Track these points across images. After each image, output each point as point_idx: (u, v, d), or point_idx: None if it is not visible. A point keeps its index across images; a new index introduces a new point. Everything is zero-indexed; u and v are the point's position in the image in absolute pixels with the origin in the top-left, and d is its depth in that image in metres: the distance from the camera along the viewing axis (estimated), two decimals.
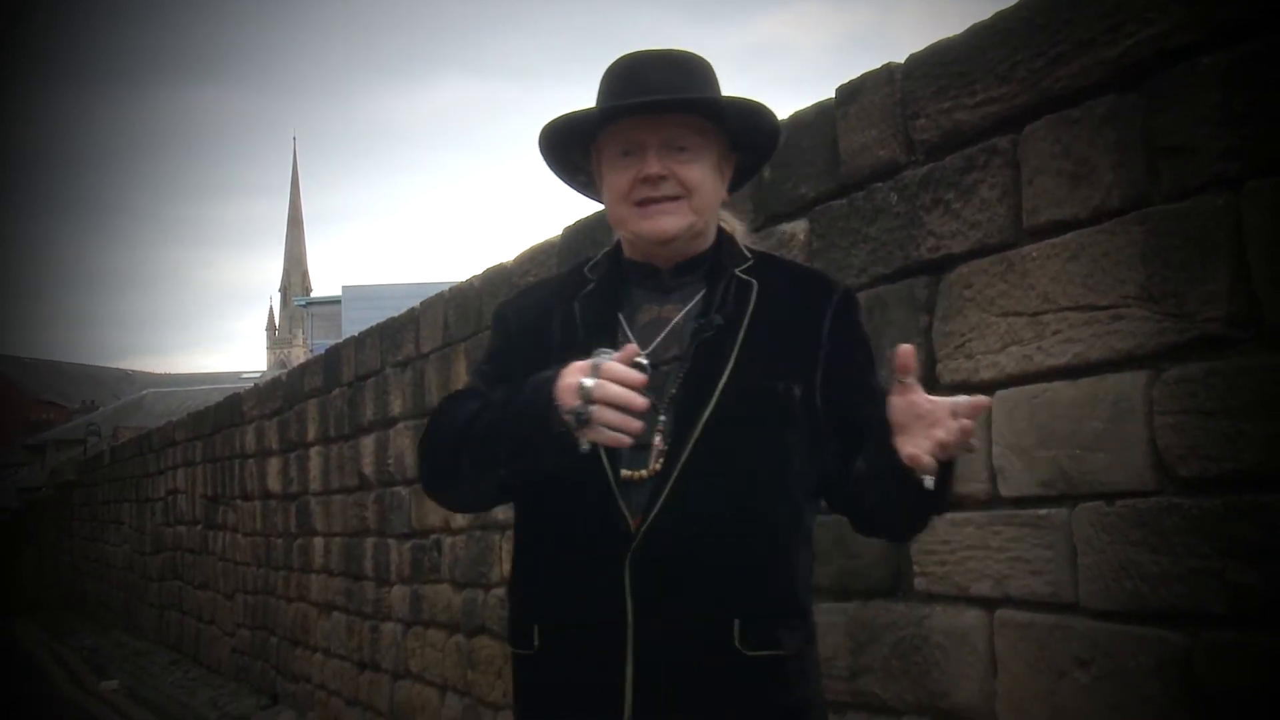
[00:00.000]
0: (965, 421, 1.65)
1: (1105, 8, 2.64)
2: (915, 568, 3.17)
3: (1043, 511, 2.81)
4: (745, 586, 1.86)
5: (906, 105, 3.23)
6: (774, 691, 1.86)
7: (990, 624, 2.95)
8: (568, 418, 1.73)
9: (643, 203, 1.91)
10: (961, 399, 1.67)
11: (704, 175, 1.93)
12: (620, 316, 1.98)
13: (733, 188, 2.06)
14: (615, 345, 1.92)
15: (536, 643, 1.93)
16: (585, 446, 1.73)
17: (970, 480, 3.01)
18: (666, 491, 1.84)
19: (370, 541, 7.46)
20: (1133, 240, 2.59)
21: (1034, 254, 2.84)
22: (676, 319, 1.95)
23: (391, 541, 7.09)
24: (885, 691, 3.23)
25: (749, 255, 2.02)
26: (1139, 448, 2.57)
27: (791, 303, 1.96)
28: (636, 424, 1.72)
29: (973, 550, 3.00)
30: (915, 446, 1.66)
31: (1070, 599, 2.73)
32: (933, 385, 3.13)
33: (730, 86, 2.04)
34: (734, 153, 2.01)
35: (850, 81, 3.43)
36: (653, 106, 1.90)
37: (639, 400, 1.71)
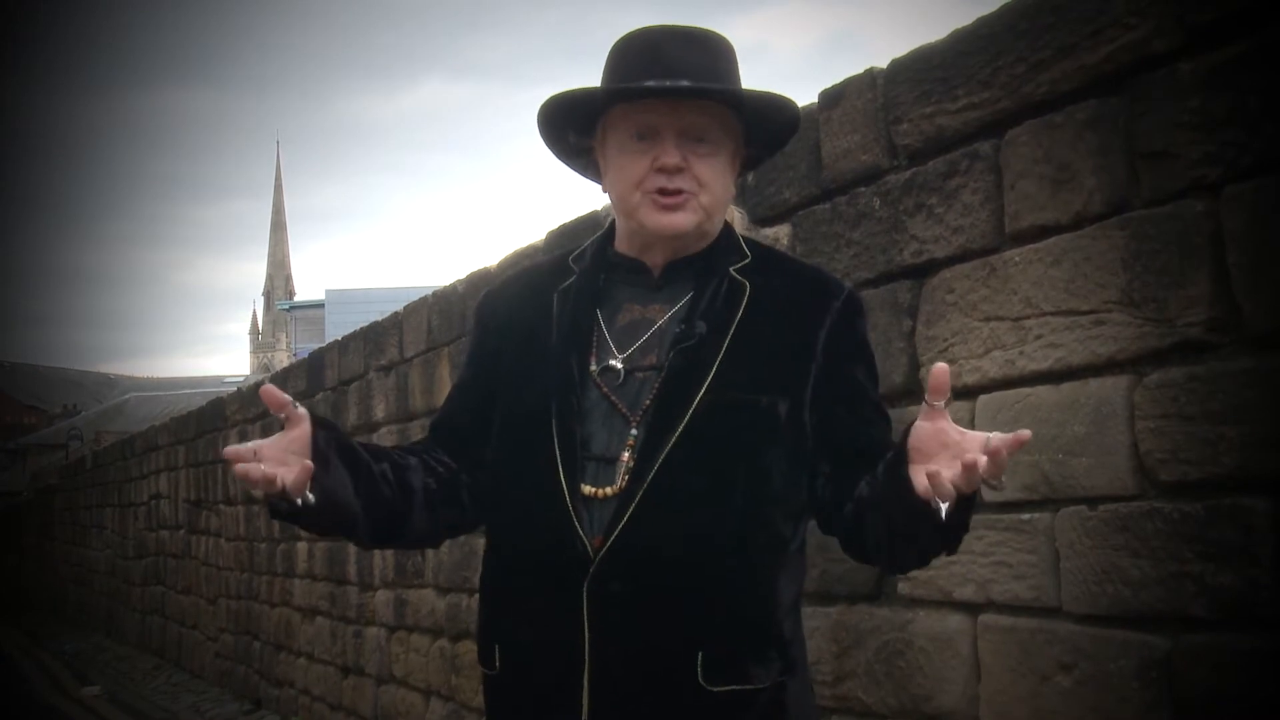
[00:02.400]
0: (999, 452, 1.46)
1: (1086, 13, 2.65)
2: None
3: (1026, 516, 2.82)
4: (711, 616, 1.71)
5: (889, 110, 3.24)
6: None
7: (974, 628, 2.95)
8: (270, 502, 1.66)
9: (658, 194, 1.77)
10: (998, 435, 1.48)
11: (719, 171, 1.80)
12: (599, 316, 1.85)
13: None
14: (590, 349, 1.82)
15: (498, 665, 1.84)
16: (305, 499, 1.63)
17: None
18: (630, 511, 1.70)
19: (353, 546, 7.43)
20: (1114, 245, 2.60)
21: (1016, 258, 2.85)
22: (661, 322, 1.81)
23: None
24: (869, 696, 3.23)
25: (747, 252, 1.87)
26: (1121, 452, 2.58)
27: (786, 308, 1.81)
28: (257, 473, 1.60)
29: (956, 555, 3.00)
30: (938, 467, 1.50)
31: (1053, 603, 2.74)
32: (917, 389, 3.13)
33: None
34: (746, 146, 1.87)
35: (833, 86, 3.44)
36: (680, 94, 1.74)
37: (245, 459, 1.62)
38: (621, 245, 1.89)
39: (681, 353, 1.77)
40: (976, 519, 2.92)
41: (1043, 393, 2.77)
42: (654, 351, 1.80)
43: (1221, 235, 2.38)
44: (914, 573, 3.12)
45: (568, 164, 1.96)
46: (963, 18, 3.04)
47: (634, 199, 1.79)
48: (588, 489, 1.75)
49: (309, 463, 1.63)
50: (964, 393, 2.99)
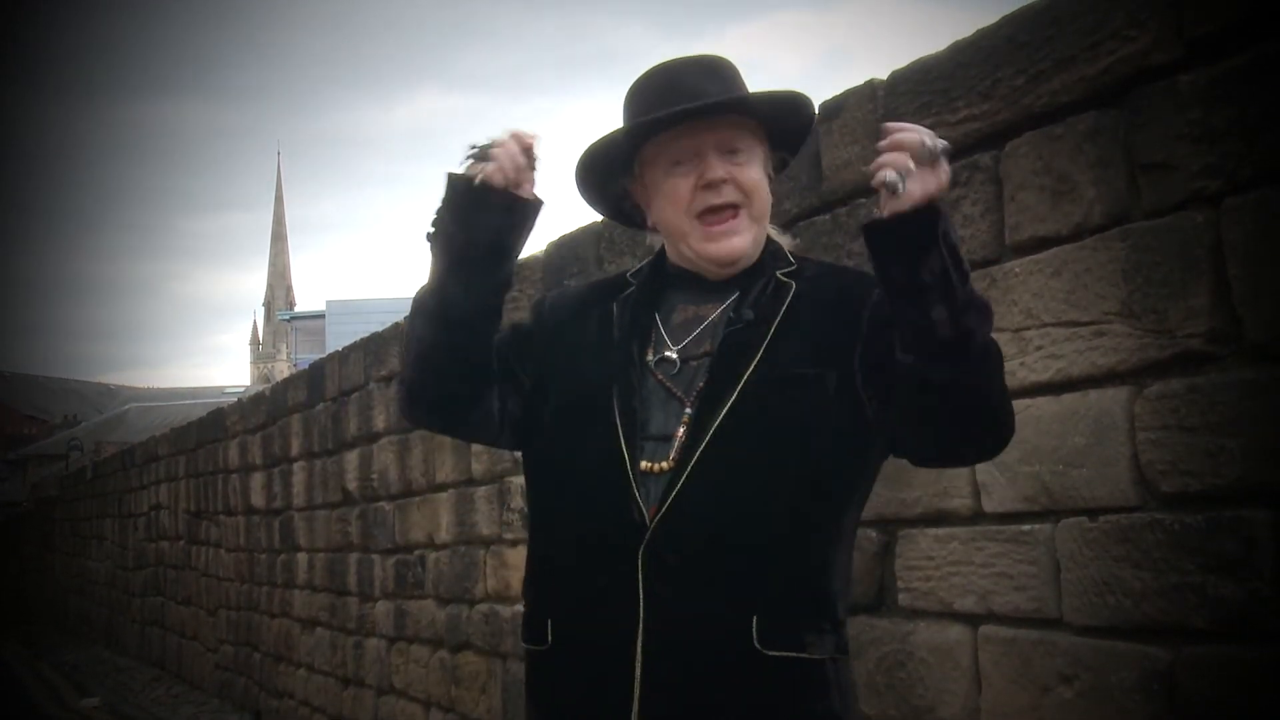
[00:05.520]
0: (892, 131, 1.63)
1: (1085, 26, 2.66)
2: (899, 583, 3.17)
3: (1026, 527, 2.82)
4: (766, 581, 1.75)
5: (889, 122, 3.23)
6: (796, 698, 1.75)
7: (974, 640, 2.95)
8: (472, 153, 1.81)
9: (707, 215, 1.86)
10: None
11: (758, 177, 1.89)
12: (656, 316, 1.94)
13: None
14: (649, 342, 1.92)
15: (550, 639, 1.86)
16: (479, 179, 1.80)
17: (954, 496, 3.01)
18: (682, 482, 1.77)
19: (354, 557, 7.43)
20: (1114, 256, 2.60)
21: (1016, 270, 2.85)
22: (712, 316, 1.91)
23: (375, 557, 7.06)
24: (870, 708, 3.22)
25: (792, 260, 1.97)
26: (1121, 463, 2.58)
27: (831, 300, 1.88)
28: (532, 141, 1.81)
29: (957, 566, 3.00)
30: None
31: (1054, 614, 2.74)
32: None
33: None
34: (772, 150, 1.97)
35: (833, 98, 3.45)
36: (712, 109, 1.84)
37: (529, 139, 1.82)
38: (677, 260, 1.98)
39: (731, 335, 1.86)
40: (977, 530, 2.93)
41: (1043, 404, 2.77)
42: (707, 341, 1.89)
43: (1221, 247, 2.38)
44: (915, 584, 3.11)
45: (610, 215, 2.08)
46: (959, 30, 3.05)
47: (685, 226, 1.88)
48: (645, 464, 1.82)
49: (538, 200, 1.84)
50: None
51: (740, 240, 1.87)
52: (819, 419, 1.79)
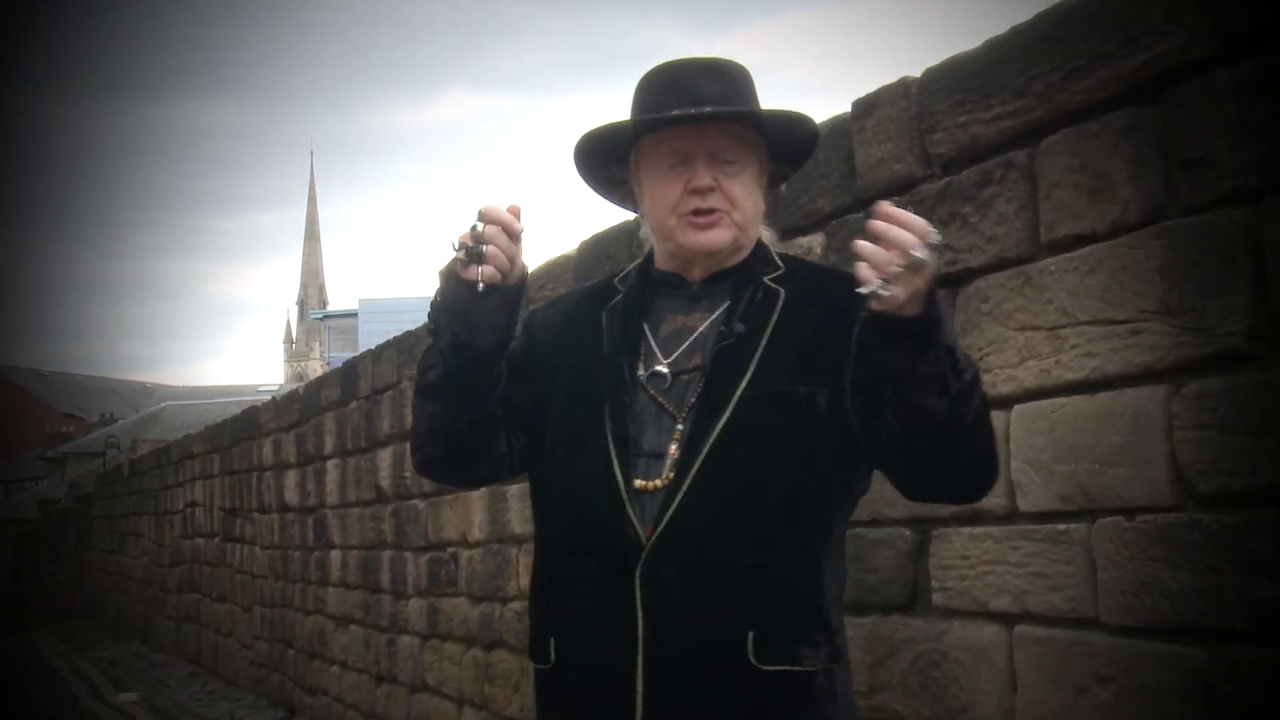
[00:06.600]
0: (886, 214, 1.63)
1: (1121, 22, 2.64)
2: (933, 582, 3.15)
3: (1062, 526, 2.80)
4: (760, 597, 1.80)
5: (923, 119, 3.23)
6: (793, 710, 1.80)
7: (1009, 640, 2.93)
8: (459, 254, 1.81)
9: (693, 215, 1.89)
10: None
11: (748, 189, 1.92)
12: (645, 327, 1.96)
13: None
14: (638, 355, 1.94)
15: (553, 657, 1.91)
16: (481, 284, 1.81)
17: (989, 495, 2.99)
18: (678, 500, 1.81)
19: (387, 554, 7.47)
20: (1151, 254, 2.58)
21: (1052, 268, 2.84)
22: (701, 328, 1.93)
23: (408, 554, 7.10)
24: (904, 708, 3.21)
25: (780, 264, 1.99)
26: (1159, 463, 2.56)
27: (821, 309, 1.90)
28: (518, 226, 1.83)
29: (991, 565, 2.98)
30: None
31: (1090, 614, 2.72)
32: None
33: None
34: (772, 162, 2.00)
35: (866, 95, 3.44)
36: (704, 118, 1.87)
37: (517, 225, 1.83)
38: (662, 264, 2.02)
39: (722, 351, 1.88)
40: (1012, 529, 2.92)
41: (1079, 402, 2.76)
42: (697, 354, 1.92)
43: (1261, 244, 2.36)
44: (949, 583, 3.10)
45: (605, 196, 2.09)
46: (982, 27, 3.03)
47: (671, 222, 1.92)
48: (639, 482, 1.85)
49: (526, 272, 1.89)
50: (999, 402, 2.97)
51: (720, 234, 1.90)
52: (811, 436, 1.84)
